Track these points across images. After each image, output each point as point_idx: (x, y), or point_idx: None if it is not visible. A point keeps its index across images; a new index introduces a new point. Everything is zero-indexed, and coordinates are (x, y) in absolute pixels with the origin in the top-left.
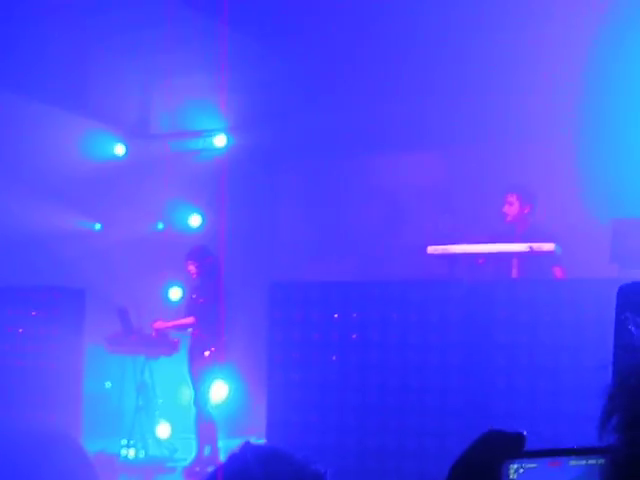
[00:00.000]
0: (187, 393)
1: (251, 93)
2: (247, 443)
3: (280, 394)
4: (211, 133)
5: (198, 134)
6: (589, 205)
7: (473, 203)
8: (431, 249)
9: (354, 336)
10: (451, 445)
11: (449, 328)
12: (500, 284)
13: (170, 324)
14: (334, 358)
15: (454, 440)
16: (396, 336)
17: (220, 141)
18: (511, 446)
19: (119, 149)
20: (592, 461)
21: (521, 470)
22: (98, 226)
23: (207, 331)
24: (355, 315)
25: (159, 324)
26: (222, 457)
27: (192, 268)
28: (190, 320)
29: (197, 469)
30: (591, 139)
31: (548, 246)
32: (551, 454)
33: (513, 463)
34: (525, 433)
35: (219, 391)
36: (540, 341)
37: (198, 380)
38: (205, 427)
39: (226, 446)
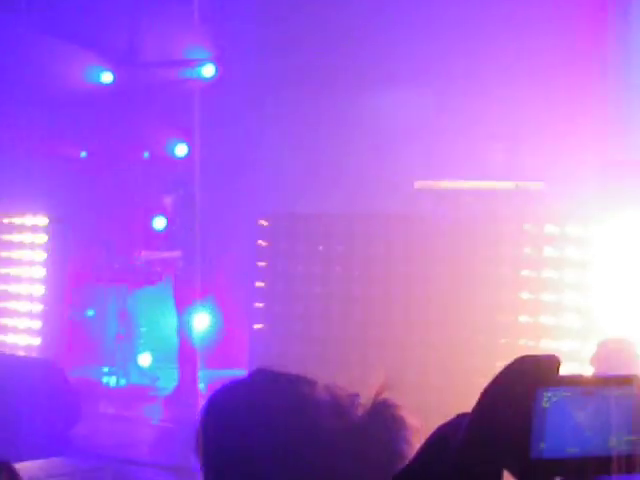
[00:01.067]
0: (170, 323)
1: (242, 23)
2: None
3: (263, 326)
4: (200, 63)
5: (186, 63)
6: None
7: (464, 140)
8: (418, 184)
9: (337, 269)
10: (433, 378)
11: (433, 261)
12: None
13: (156, 256)
14: (317, 290)
15: (435, 375)
16: (381, 270)
17: (208, 71)
18: (544, 372)
19: (107, 76)
20: (626, 391)
21: (554, 398)
22: (84, 154)
23: (191, 262)
24: (340, 248)
25: (144, 254)
26: (202, 387)
27: (167, 201)
28: (177, 254)
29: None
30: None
31: (536, 185)
32: (585, 382)
33: (547, 391)
34: (560, 358)
35: (201, 322)
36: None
37: (182, 310)
38: (187, 356)
39: (206, 376)
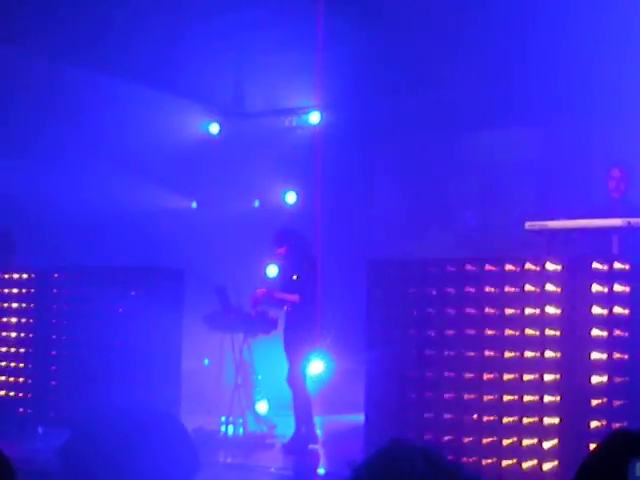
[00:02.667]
0: (285, 370)
1: (345, 70)
2: (395, 440)
3: (379, 370)
4: (305, 111)
5: (292, 112)
6: None
7: (573, 178)
8: (529, 225)
9: (452, 312)
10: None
11: (546, 301)
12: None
13: (277, 295)
14: (432, 334)
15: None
16: (493, 311)
17: (314, 118)
18: (637, 444)
19: (214, 128)
20: None
21: None
22: (194, 204)
23: (303, 309)
24: (452, 291)
25: (263, 291)
26: (319, 433)
27: (281, 250)
28: (295, 297)
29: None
30: None
31: None
32: None
33: None
34: None
35: (315, 368)
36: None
37: (294, 357)
38: (301, 404)
39: (323, 423)
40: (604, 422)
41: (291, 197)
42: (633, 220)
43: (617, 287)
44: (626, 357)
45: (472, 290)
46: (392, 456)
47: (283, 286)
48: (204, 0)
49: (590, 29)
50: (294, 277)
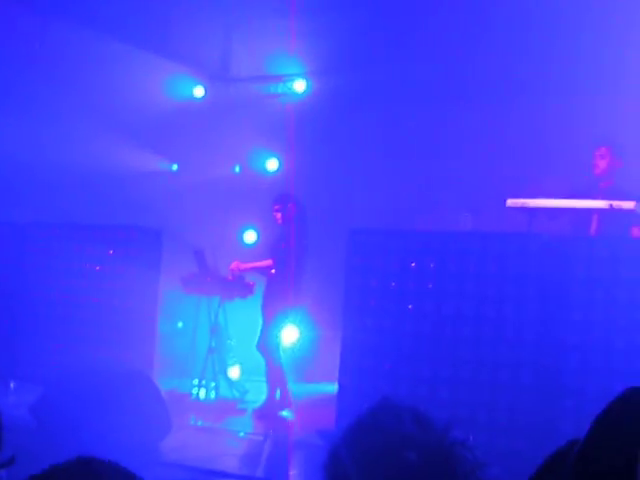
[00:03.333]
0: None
1: (332, 38)
2: (385, 398)
3: (354, 340)
4: (291, 78)
5: (278, 79)
6: None
7: (556, 156)
8: (510, 202)
9: (430, 286)
10: (524, 398)
11: (525, 281)
12: (578, 240)
13: (248, 265)
14: (410, 307)
15: (526, 394)
16: (472, 287)
17: (299, 86)
18: None
19: (198, 91)
20: None
21: None
22: (175, 167)
23: (284, 275)
24: (432, 265)
25: (236, 264)
26: (292, 400)
27: (277, 214)
28: (268, 262)
29: (265, 412)
30: None
31: (629, 204)
32: None
33: None
34: None
35: (290, 335)
36: (616, 298)
37: (270, 323)
38: (273, 370)
39: (297, 390)
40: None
41: (272, 164)
42: (615, 203)
43: None
44: None
45: (453, 266)
46: (380, 414)
47: (271, 251)
48: None
49: (574, 5)
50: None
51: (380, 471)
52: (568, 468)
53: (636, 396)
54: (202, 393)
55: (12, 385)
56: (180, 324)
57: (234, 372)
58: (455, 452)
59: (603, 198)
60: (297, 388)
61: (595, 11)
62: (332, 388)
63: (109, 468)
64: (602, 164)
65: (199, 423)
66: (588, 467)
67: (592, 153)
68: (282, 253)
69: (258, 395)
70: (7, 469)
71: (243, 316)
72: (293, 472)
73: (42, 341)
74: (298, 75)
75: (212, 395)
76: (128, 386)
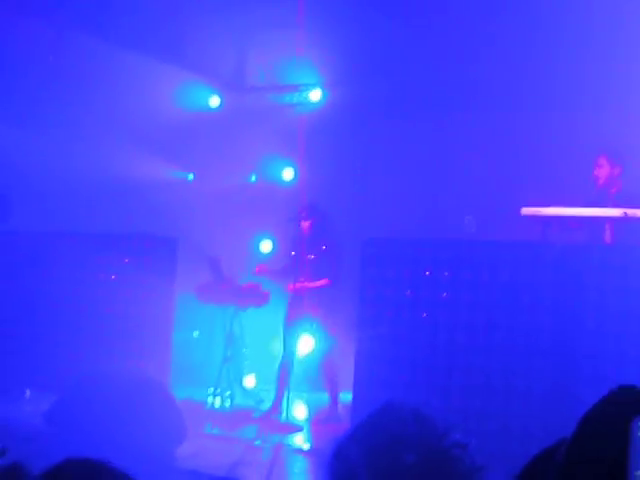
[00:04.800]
0: (275, 344)
1: (347, 48)
2: (389, 401)
3: (369, 350)
4: (307, 87)
5: (294, 88)
6: None
7: (570, 166)
8: (525, 210)
9: (444, 294)
10: (535, 406)
11: (539, 290)
12: (592, 248)
13: (309, 285)
14: (424, 315)
15: (538, 401)
16: (485, 296)
17: (315, 96)
18: None
19: (214, 100)
20: None
21: None
22: (191, 176)
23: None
24: (446, 274)
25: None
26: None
27: (305, 224)
28: (325, 282)
29: (271, 416)
30: None
31: None
32: None
33: None
34: None
35: (306, 344)
36: (630, 306)
37: (292, 332)
38: (285, 376)
39: (314, 399)
40: None
41: (288, 173)
42: (630, 211)
43: None
44: None
45: (466, 275)
46: (384, 416)
47: (296, 261)
48: None
49: (578, 18)
50: (311, 257)
51: (381, 470)
52: (555, 466)
53: (621, 396)
54: (217, 402)
55: (28, 393)
56: (196, 333)
57: (249, 381)
58: (453, 454)
59: (615, 206)
60: (315, 397)
61: (600, 22)
62: (347, 397)
63: (102, 468)
64: (602, 173)
65: (214, 431)
66: (574, 465)
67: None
68: (312, 265)
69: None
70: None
71: (258, 325)
72: None
73: (58, 350)
74: (314, 85)
75: (227, 404)
76: (143, 394)
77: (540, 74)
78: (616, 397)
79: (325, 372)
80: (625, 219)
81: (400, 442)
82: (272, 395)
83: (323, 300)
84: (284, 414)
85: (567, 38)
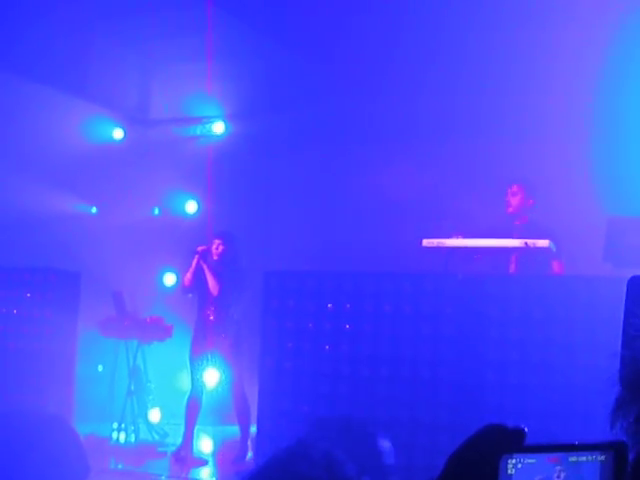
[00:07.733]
0: (179, 378)
1: (250, 82)
2: (302, 439)
3: (272, 382)
4: (209, 120)
5: (197, 121)
6: (587, 202)
7: (470, 197)
8: (426, 242)
9: (347, 326)
10: (442, 438)
11: (441, 321)
12: (493, 279)
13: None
14: (327, 348)
15: (445, 434)
16: (389, 328)
17: (218, 128)
18: (510, 441)
19: (117, 133)
20: (592, 457)
21: (519, 465)
22: (94, 209)
23: (220, 317)
24: (348, 306)
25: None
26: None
27: (219, 247)
28: (217, 286)
29: (182, 454)
30: (589, 136)
31: (543, 242)
32: (550, 450)
33: (511, 458)
34: (525, 428)
35: (211, 378)
36: (532, 337)
37: (198, 366)
38: (194, 410)
39: (220, 433)
40: None
41: (192, 206)
42: (530, 241)
43: None
44: None
45: (369, 307)
46: (294, 454)
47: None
48: (108, 4)
49: (495, 49)
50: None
51: None
52: None
53: (490, 434)
54: (122, 437)
55: None
56: (100, 367)
57: (154, 415)
58: None
59: (519, 237)
60: (221, 430)
61: (518, 54)
62: (252, 430)
63: None
64: (514, 201)
65: (119, 467)
66: None
67: (505, 190)
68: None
69: (178, 438)
70: None
71: (163, 358)
72: None
73: None
74: (217, 117)
75: (132, 438)
76: (44, 431)
77: (446, 104)
78: (483, 435)
79: (236, 405)
80: (528, 250)
81: None
82: (180, 430)
83: (228, 333)
84: (193, 448)
85: (485, 68)
